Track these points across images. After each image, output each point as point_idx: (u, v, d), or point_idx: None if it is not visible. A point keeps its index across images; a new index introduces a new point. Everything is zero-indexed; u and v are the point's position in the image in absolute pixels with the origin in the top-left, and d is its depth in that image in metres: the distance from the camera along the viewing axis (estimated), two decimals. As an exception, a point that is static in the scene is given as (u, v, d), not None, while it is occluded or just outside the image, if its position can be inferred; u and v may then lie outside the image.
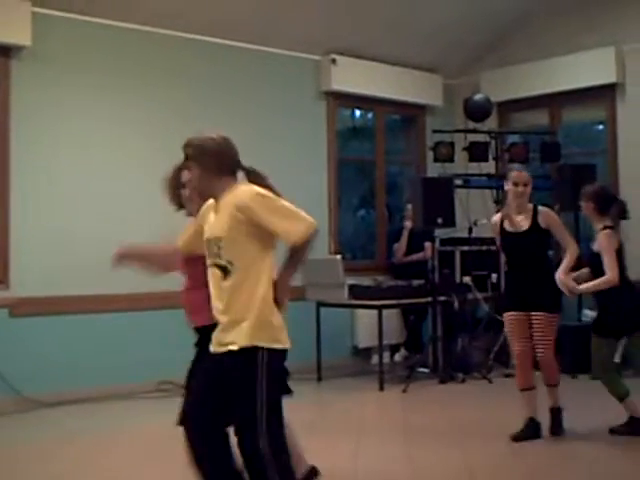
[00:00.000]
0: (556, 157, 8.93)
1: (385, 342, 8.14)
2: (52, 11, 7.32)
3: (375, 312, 7.98)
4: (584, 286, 5.70)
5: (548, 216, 5.78)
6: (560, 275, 5.63)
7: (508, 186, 5.82)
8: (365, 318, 8.80)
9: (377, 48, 9.36)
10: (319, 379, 8.33)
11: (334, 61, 9.13)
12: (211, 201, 3.61)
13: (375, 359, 8.69)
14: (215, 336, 3.52)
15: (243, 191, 3.46)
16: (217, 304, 3.49)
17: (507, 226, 5.83)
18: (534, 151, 9.02)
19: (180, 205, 4.20)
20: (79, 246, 7.35)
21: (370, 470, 5.11)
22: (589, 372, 7.91)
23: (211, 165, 3.51)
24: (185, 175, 3.95)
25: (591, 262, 5.83)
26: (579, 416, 6.12)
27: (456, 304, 8.33)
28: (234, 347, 3.39)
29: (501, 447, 5.56)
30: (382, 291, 8.11)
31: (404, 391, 7.58)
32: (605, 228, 5.71)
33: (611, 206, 5.78)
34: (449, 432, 5.94)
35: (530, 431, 5.69)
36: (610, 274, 5.58)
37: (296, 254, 3.44)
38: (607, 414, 5.93)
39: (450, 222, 8.19)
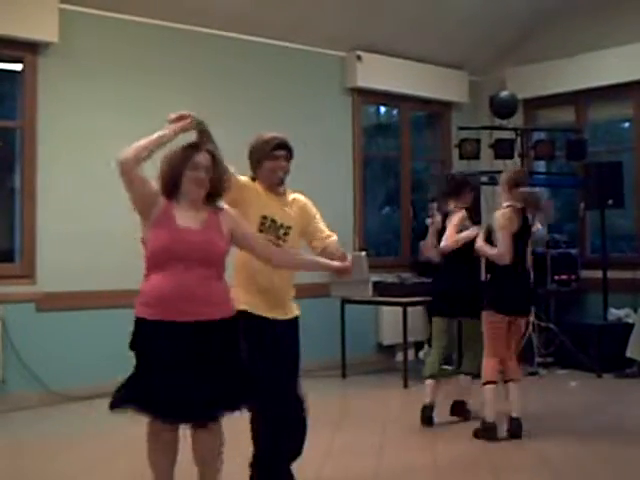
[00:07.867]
0: (582, 155, 8.87)
1: (410, 339, 8.13)
2: (79, 7, 7.35)
3: (400, 309, 7.98)
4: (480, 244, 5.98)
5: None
6: None
7: None
8: (390, 315, 8.79)
9: (402, 45, 9.34)
10: (343, 376, 8.34)
11: (359, 58, 9.11)
12: (249, 181, 4.30)
13: (399, 356, 8.69)
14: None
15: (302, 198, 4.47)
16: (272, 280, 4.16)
17: None
18: (560, 149, 8.95)
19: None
20: (105, 241, 7.39)
21: (394, 466, 5.12)
22: (614, 371, 7.90)
23: None
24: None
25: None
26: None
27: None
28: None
29: (523, 442, 5.56)
30: (407, 288, 8.10)
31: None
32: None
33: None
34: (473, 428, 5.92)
35: None
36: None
37: None
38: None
39: (476, 219, 8.15)
